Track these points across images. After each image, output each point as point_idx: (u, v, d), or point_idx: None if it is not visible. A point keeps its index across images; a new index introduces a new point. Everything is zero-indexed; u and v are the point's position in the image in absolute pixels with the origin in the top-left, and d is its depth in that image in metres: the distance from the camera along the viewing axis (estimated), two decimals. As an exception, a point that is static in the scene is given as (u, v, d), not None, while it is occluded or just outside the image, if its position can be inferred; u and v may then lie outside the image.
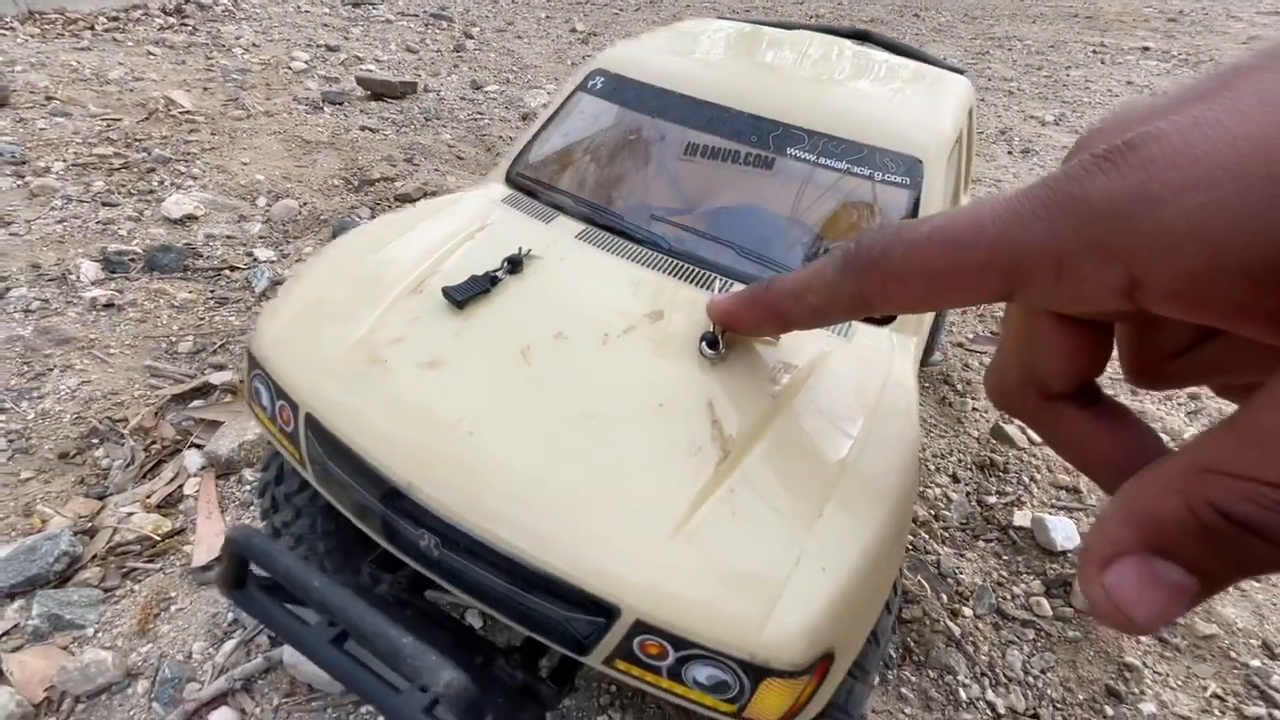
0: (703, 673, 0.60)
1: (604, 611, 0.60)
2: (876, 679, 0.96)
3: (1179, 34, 6.65)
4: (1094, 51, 6.05)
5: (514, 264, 0.87)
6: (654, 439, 0.68)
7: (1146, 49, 6.03)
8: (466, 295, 0.80)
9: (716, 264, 0.92)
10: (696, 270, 0.91)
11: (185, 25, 5.69)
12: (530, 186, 1.08)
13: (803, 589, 0.58)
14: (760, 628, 0.57)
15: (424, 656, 0.59)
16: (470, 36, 6.51)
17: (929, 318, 1.04)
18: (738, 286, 0.86)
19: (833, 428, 0.70)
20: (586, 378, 0.73)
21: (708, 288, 0.87)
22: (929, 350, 1.51)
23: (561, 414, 0.70)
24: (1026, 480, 1.45)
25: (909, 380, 0.81)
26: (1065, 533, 1.27)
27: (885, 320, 0.88)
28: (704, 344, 0.75)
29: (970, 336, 1.99)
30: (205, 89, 3.97)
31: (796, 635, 0.57)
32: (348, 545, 0.94)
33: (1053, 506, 1.39)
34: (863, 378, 0.78)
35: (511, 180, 1.10)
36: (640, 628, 0.59)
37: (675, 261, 0.92)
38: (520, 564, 0.62)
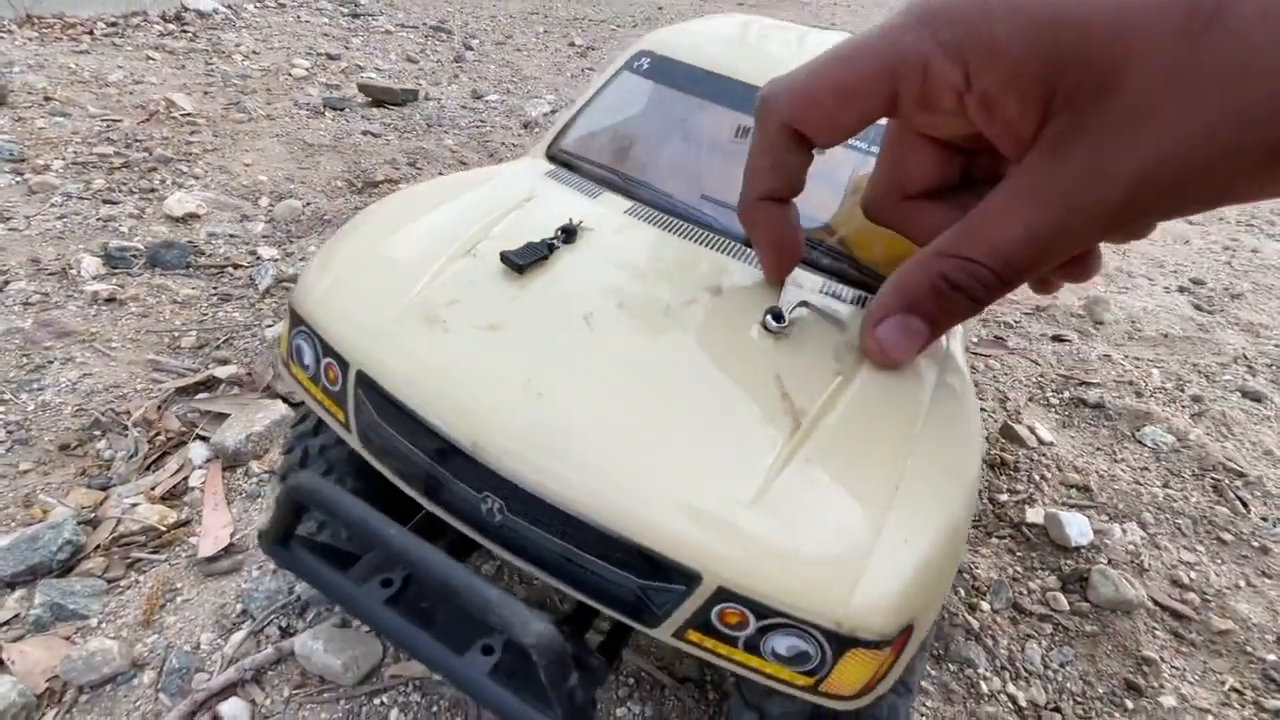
0: (783, 644, 0.58)
1: (685, 578, 0.58)
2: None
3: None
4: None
5: (568, 234, 0.86)
6: (725, 408, 0.67)
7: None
8: (527, 260, 0.79)
9: None
10: (748, 251, 0.91)
11: (185, 32, 5.70)
12: (573, 162, 1.08)
13: (887, 559, 0.57)
14: (848, 596, 0.55)
15: (513, 606, 0.57)
16: (470, 48, 6.56)
17: None
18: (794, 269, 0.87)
19: (899, 402, 0.70)
20: (652, 346, 0.72)
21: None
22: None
23: (630, 380, 0.68)
24: (1037, 479, 1.46)
25: (961, 359, 0.82)
26: (1080, 529, 1.27)
27: None
28: (769, 317, 0.75)
29: (975, 340, 2.00)
30: (206, 93, 3.97)
31: (884, 605, 0.56)
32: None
33: (1063, 504, 1.40)
34: (921, 357, 0.78)
35: (553, 156, 1.10)
36: (722, 595, 0.58)
37: (727, 241, 0.92)
38: (595, 528, 0.60)
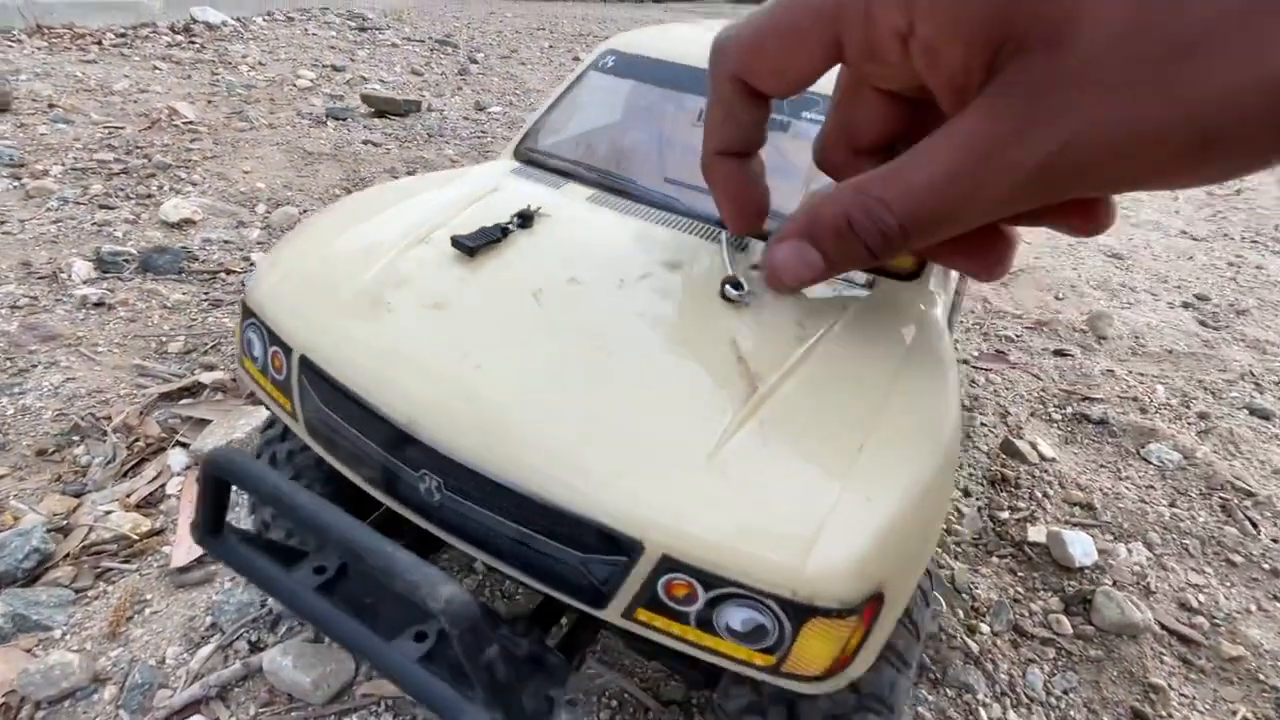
0: (737, 617, 0.54)
1: (625, 549, 0.55)
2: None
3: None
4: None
5: (525, 218, 0.84)
6: (676, 374, 0.64)
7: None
8: (477, 243, 0.77)
9: None
10: (713, 229, 0.89)
11: (193, 43, 5.76)
12: (540, 160, 1.07)
13: (847, 520, 0.53)
14: (802, 561, 0.51)
15: (421, 570, 0.53)
16: (474, 61, 6.62)
17: (954, 277, 1.01)
18: (755, 242, 0.85)
19: (868, 364, 0.66)
20: (602, 317, 0.70)
21: (725, 243, 0.85)
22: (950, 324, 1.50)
23: (576, 351, 0.66)
24: (1039, 496, 1.41)
25: (941, 323, 0.79)
26: (1084, 548, 1.23)
27: (911, 276, 0.85)
28: (727, 286, 0.73)
29: (976, 354, 1.96)
30: (210, 102, 3.99)
31: (842, 568, 0.51)
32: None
33: (1066, 523, 1.35)
34: (893, 319, 0.75)
35: (520, 155, 1.09)
36: (666, 564, 0.54)
37: (690, 221, 0.91)
38: (530, 499, 0.57)
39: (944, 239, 0.36)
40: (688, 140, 1.02)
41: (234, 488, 0.67)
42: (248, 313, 0.77)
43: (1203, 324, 2.14)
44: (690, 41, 1.15)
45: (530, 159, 1.08)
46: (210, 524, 0.68)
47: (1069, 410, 1.65)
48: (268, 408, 0.80)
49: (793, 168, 0.94)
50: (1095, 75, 0.26)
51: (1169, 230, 3.00)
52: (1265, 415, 1.66)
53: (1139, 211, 3.20)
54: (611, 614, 0.58)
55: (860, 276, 0.83)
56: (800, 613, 0.52)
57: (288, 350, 0.71)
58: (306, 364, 0.69)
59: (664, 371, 0.64)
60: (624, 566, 0.55)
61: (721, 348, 0.67)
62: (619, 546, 0.55)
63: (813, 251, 0.41)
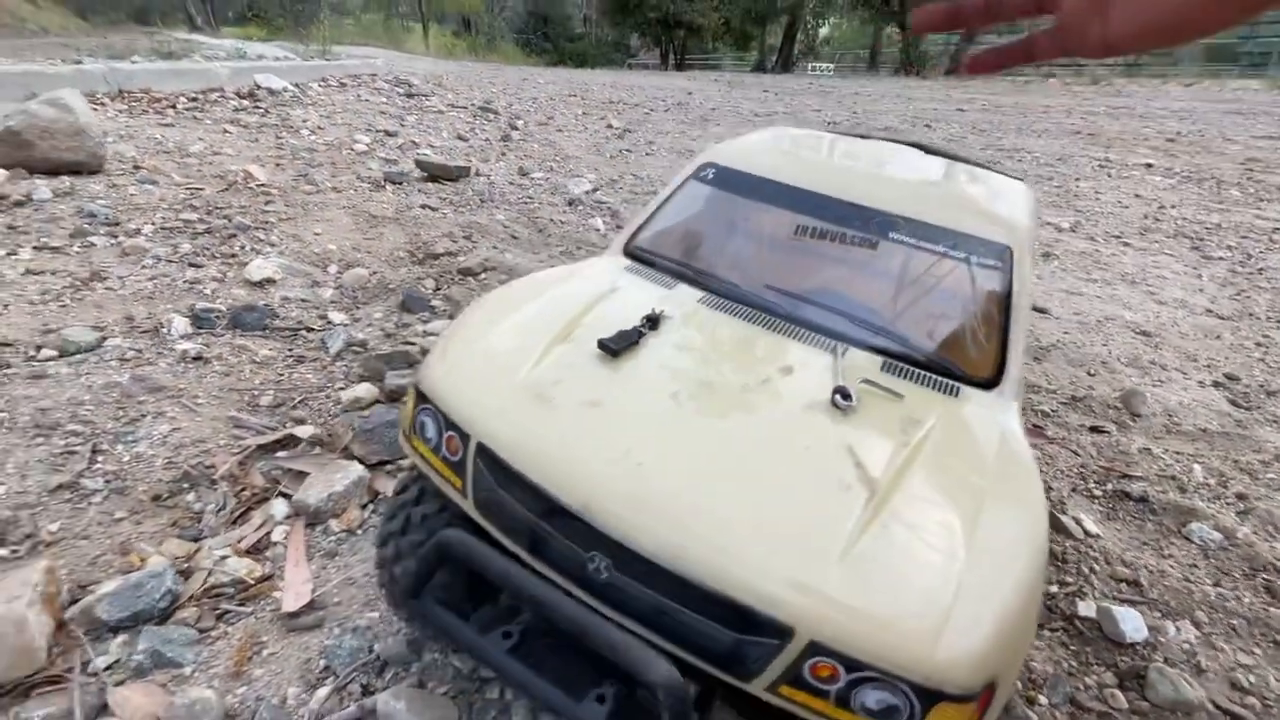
0: (872, 698, 0.62)
1: (778, 633, 0.63)
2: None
3: (1179, 153, 7.07)
4: (1100, 165, 6.42)
5: (653, 322, 0.98)
6: (804, 477, 0.75)
7: (1149, 165, 6.40)
8: (620, 346, 0.91)
9: (828, 328, 1.03)
10: (812, 334, 1.01)
11: (258, 108, 6.20)
12: (648, 258, 1.21)
13: (966, 616, 0.62)
14: (932, 650, 0.60)
15: (641, 649, 0.64)
16: (515, 128, 7.02)
17: (1021, 383, 1.11)
18: (853, 351, 0.97)
19: (965, 470, 0.78)
20: (734, 421, 0.82)
21: (827, 350, 0.97)
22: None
23: (718, 451, 0.77)
24: (1085, 571, 1.47)
25: (1019, 429, 0.89)
26: (1134, 624, 1.28)
27: (990, 384, 0.97)
28: (837, 396, 0.84)
29: (1012, 427, 2.04)
30: (277, 165, 4.30)
31: (967, 659, 0.60)
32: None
33: (1114, 598, 1.41)
34: (981, 430, 0.86)
35: (630, 253, 1.24)
36: (814, 650, 0.63)
37: (792, 326, 1.03)
38: (697, 585, 0.66)
39: None
40: (785, 250, 1.16)
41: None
42: (422, 398, 0.90)
43: (1234, 404, 2.21)
44: (776, 154, 1.31)
45: (639, 257, 1.22)
46: (415, 589, 0.78)
47: (1109, 487, 1.72)
48: (435, 484, 0.91)
49: (882, 284, 1.07)
50: None
51: (1194, 309, 3.09)
52: (1306, 500, 1.71)
53: (1164, 289, 3.30)
54: (757, 686, 0.67)
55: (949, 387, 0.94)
56: (930, 697, 0.61)
57: (465, 437, 0.83)
58: (483, 450, 0.81)
59: (794, 473, 0.75)
60: (774, 648, 0.64)
61: (840, 452, 0.78)
62: (774, 630, 0.64)
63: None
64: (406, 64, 13.15)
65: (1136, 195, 5.28)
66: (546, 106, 9.49)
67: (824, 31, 30.83)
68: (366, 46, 16.67)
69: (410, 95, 8.47)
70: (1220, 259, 3.82)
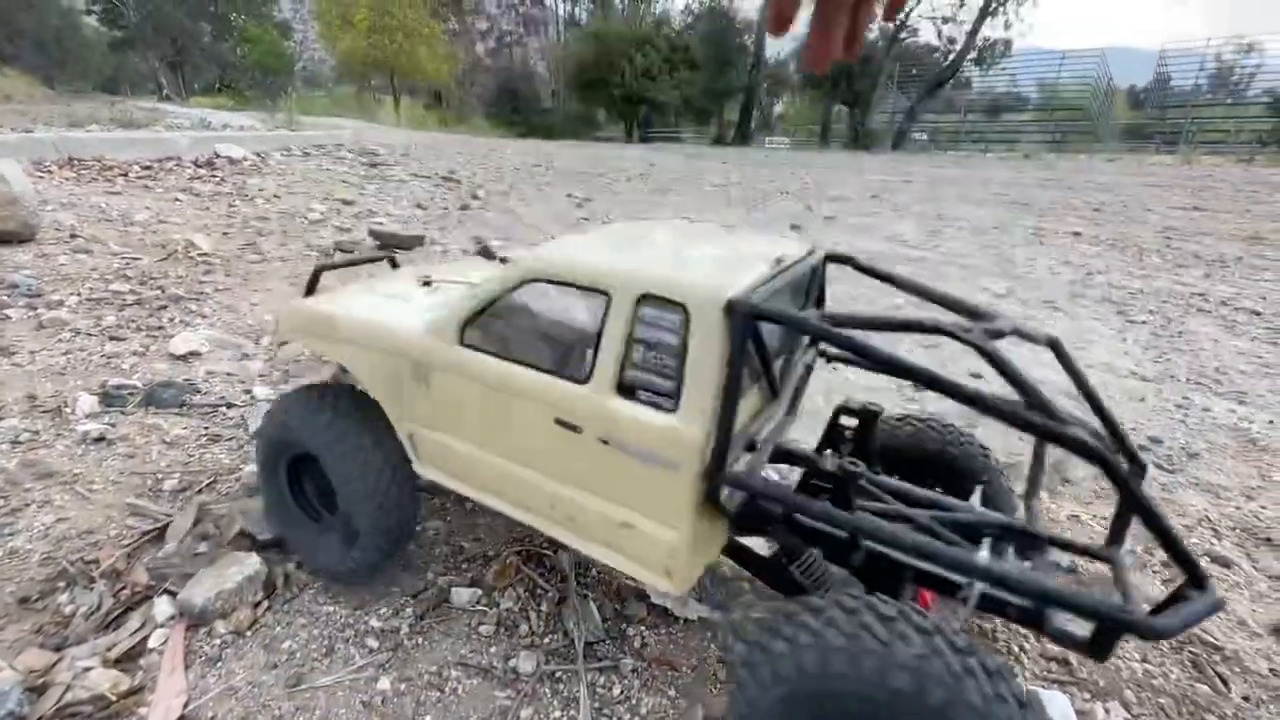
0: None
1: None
2: None
3: (1104, 221, 7.56)
4: (1033, 233, 6.81)
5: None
6: None
7: (1078, 234, 6.82)
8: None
9: None
10: None
11: (214, 176, 6.20)
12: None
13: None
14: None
15: None
16: (476, 197, 7.15)
17: None
18: None
19: None
20: None
21: None
22: None
23: None
24: (1016, 649, 1.44)
25: None
26: (1062, 709, 1.24)
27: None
28: None
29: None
30: (225, 233, 4.26)
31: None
32: None
33: (1044, 678, 1.37)
34: None
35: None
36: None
37: None
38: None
39: None
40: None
41: None
42: None
43: (1159, 467, 2.26)
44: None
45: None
46: None
47: (1039, 558, 1.72)
48: None
49: None
50: None
51: (1120, 371, 3.21)
52: (1226, 563, 1.73)
53: (1092, 353, 3.44)
54: None
55: None
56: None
57: None
58: None
59: None
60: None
61: None
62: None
63: None
64: (375, 135, 13.44)
65: (1066, 262, 5.58)
66: (510, 176, 9.73)
67: (778, 109, 32.82)
68: (337, 118, 17.04)
69: (373, 165, 8.60)
70: (1143, 323, 4.02)
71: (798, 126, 29.62)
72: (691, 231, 1.33)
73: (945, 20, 24.09)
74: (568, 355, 1.13)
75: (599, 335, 1.01)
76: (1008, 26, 23.24)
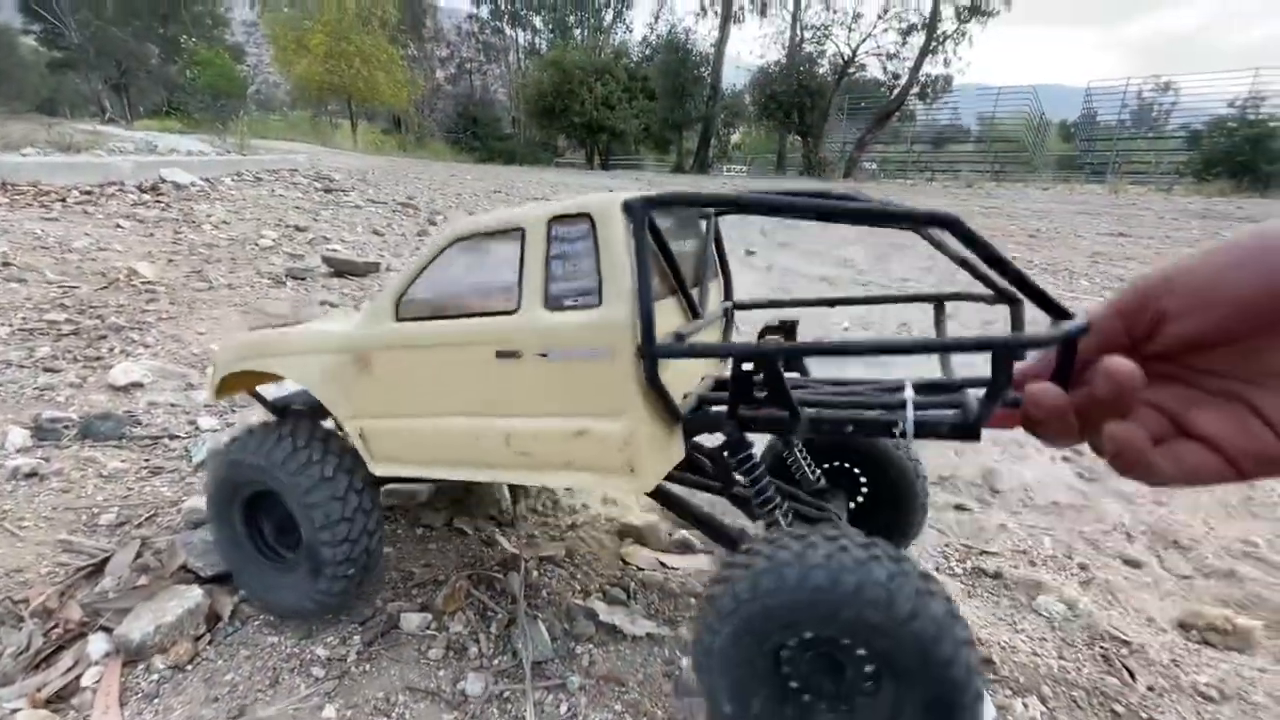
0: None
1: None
2: None
3: (1039, 247, 8.02)
4: (971, 258, 7.17)
5: None
6: None
7: (1015, 258, 7.20)
8: None
9: None
10: None
11: (159, 202, 6.05)
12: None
13: None
14: None
15: None
16: (434, 223, 7.15)
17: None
18: None
19: None
20: None
21: None
22: None
23: None
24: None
25: None
26: (985, 708, 1.32)
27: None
28: None
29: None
30: (170, 261, 4.16)
31: None
32: None
33: (974, 678, 1.46)
34: None
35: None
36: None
37: None
38: None
39: None
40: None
41: None
42: None
43: (1080, 476, 2.42)
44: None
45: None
46: None
47: (969, 564, 1.81)
48: None
49: None
50: None
51: (1048, 387, 3.42)
52: (1136, 564, 1.86)
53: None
54: None
55: None
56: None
57: None
58: None
59: None
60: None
61: None
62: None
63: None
64: (331, 159, 13.30)
65: (1002, 285, 5.90)
66: (470, 202, 9.75)
67: (735, 138, 33.81)
68: (292, 142, 16.80)
69: (328, 190, 8.52)
70: (1071, 341, 4.29)
71: (755, 155, 30.54)
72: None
73: (890, 57, 25.39)
74: (495, 297, 1.21)
75: (520, 267, 1.13)
76: (947, 64, 24.62)
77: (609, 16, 34.54)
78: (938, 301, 1.45)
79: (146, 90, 29.62)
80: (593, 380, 1.08)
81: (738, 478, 1.29)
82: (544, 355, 1.10)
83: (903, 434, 1.05)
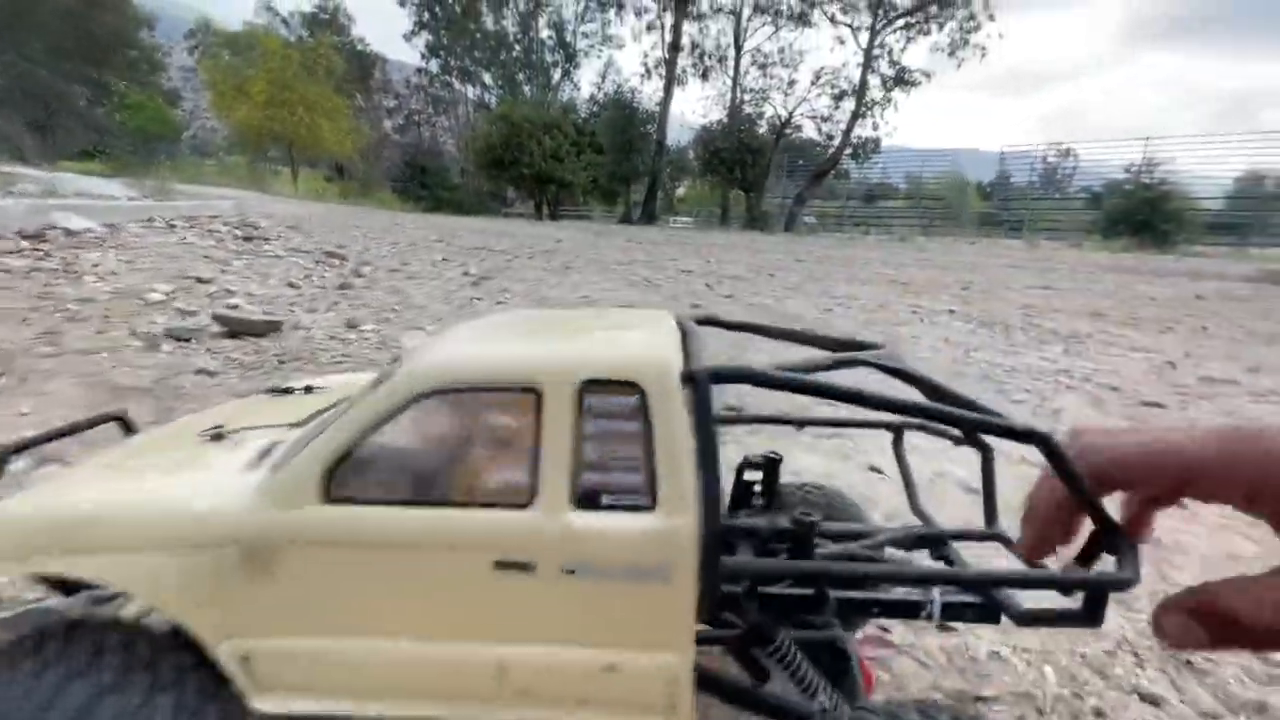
0: None
1: None
2: None
3: (973, 300, 8.18)
4: (913, 312, 7.19)
5: None
6: None
7: (952, 311, 7.27)
8: None
9: None
10: None
11: (39, 249, 5.39)
12: None
13: None
14: None
15: None
16: (360, 275, 6.66)
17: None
18: None
19: None
20: None
21: None
22: None
23: None
24: None
25: None
26: None
27: None
28: None
29: (858, 638, 1.79)
30: (23, 320, 3.55)
31: None
32: None
33: None
34: None
35: None
36: None
37: None
38: None
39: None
40: None
41: None
42: None
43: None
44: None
45: None
46: None
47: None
48: None
49: None
50: None
51: (1011, 457, 3.21)
52: (1155, 701, 1.56)
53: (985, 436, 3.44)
54: None
55: None
56: None
57: None
58: None
59: None
60: None
61: None
62: None
63: (1200, 630, 0.47)
64: (264, 206, 12.67)
65: (945, 340, 5.84)
66: (406, 252, 9.31)
67: (680, 191, 34.71)
68: (225, 188, 16.03)
69: (248, 239, 7.94)
70: (1022, 401, 4.15)
71: (699, 208, 31.35)
72: (566, 314, 1.25)
73: (824, 119, 26.85)
74: (495, 481, 0.85)
75: (536, 444, 0.80)
76: (876, 127, 26.21)
77: (557, 75, 35.39)
78: (897, 431, 1.40)
79: (74, 133, 28.22)
80: (635, 604, 0.80)
81: (765, 663, 1.03)
82: (570, 572, 0.79)
83: (929, 616, 0.93)
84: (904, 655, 1.64)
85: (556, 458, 0.79)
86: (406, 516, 0.80)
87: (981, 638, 1.74)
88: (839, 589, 0.94)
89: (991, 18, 23.74)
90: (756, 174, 25.39)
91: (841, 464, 2.80)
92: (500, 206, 31.26)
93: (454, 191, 31.89)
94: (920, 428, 1.39)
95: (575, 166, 26.23)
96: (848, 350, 1.10)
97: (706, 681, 1.01)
